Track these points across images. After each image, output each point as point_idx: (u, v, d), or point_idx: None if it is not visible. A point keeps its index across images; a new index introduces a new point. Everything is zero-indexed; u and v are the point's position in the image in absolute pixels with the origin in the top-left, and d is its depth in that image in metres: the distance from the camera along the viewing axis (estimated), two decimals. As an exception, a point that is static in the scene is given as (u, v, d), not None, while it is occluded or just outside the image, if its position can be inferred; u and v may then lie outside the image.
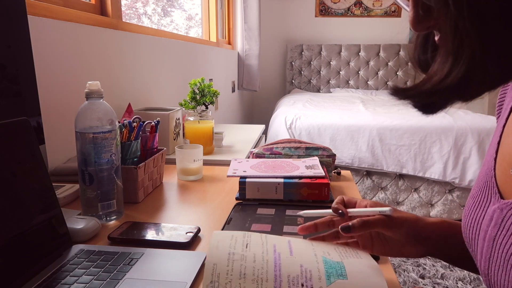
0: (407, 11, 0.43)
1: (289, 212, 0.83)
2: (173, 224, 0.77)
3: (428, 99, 0.39)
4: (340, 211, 0.59)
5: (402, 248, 0.59)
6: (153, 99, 1.77)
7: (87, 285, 0.55)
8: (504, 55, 0.33)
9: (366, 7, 4.34)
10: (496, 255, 0.44)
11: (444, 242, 0.59)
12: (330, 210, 0.61)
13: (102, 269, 0.58)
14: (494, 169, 0.48)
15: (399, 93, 0.42)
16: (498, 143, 0.50)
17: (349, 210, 0.60)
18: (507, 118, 0.50)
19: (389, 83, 4.30)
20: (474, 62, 0.34)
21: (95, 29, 1.29)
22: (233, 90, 3.61)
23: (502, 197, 0.46)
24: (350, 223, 0.55)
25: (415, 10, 0.39)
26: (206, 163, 1.37)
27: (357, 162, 2.55)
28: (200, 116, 1.47)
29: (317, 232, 0.62)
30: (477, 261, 0.49)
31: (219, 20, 3.19)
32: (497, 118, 0.56)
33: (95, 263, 0.60)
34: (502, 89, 0.56)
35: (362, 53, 4.31)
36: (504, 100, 0.55)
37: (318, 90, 4.41)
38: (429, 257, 1.58)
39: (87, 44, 1.25)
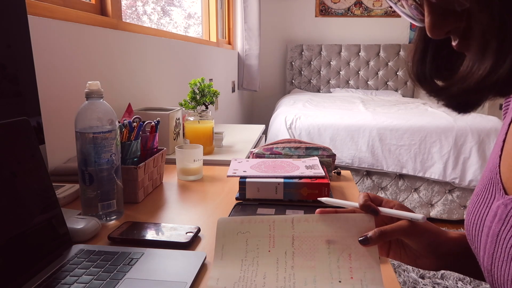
0: (410, 21, 0.43)
1: (289, 212, 0.83)
2: (173, 224, 0.77)
3: (470, 97, 0.39)
4: (372, 209, 0.56)
5: (417, 259, 0.57)
6: (153, 99, 1.77)
7: (87, 285, 0.55)
8: None
9: (366, 7, 4.34)
10: (500, 251, 0.44)
11: (463, 258, 0.58)
12: (355, 204, 0.58)
13: (102, 269, 0.58)
14: (499, 166, 0.49)
15: (439, 92, 0.42)
16: (504, 141, 0.50)
17: (381, 209, 0.56)
18: None
19: (389, 83, 4.30)
20: None
21: (95, 29, 1.29)
22: (233, 90, 3.61)
23: (506, 193, 0.46)
24: (368, 235, 0.54)
25: (433, 16, 0.39)
26: (206, 163, 1.37)
27: (357, 162, 2.55)
28: (200, 116, 1.47)
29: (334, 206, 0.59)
30: (479, 258, 0.50)
31: (219, 20, 3.19)
32: (504, 116, 0.56)
33: (95, 263, 0.60)
34: None
35: (362, 53, 4.31)
36: (511, 99, 0.55)
37: (318, 90, 4.41)
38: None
39: (87, 44, 1.25)
